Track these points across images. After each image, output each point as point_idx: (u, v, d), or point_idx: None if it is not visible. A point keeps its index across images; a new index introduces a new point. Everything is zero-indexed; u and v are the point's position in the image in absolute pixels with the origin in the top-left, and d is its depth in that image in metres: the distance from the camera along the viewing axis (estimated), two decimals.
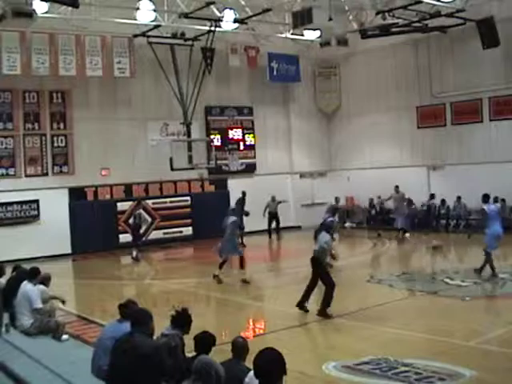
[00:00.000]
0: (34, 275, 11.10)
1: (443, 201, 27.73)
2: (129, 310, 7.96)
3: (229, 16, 24.45)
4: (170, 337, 7.74)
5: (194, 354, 7.04)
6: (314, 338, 11.75)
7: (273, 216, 28.49)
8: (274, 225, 28.63)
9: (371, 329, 12.01)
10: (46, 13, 21.45)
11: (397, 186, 26.35)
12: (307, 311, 13.25)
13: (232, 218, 18.21)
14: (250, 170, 30.88)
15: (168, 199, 28.34)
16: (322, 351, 10.63)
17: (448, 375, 9.08)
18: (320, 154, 33.27)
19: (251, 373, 5.45)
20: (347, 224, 30.81)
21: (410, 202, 27.06)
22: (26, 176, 24.96)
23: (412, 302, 15.03)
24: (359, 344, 11.19)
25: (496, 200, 25.81)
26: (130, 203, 27.30)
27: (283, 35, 27.43)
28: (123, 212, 27.05)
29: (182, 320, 8.03)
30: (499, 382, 8.83)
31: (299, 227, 30.94)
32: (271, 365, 4.95)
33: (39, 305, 10.81)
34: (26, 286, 10.87)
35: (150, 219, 27.66)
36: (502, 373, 9.17)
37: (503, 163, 25.53)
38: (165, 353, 6.82)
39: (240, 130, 30.77)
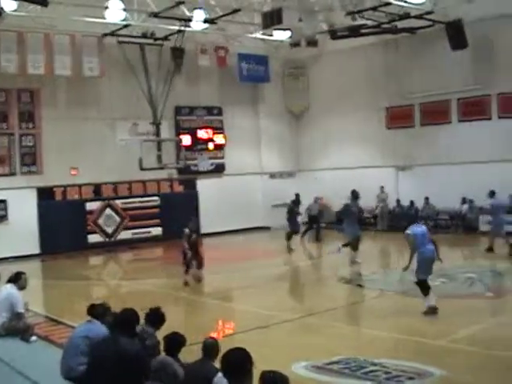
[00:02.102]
0: (18, 279, 10.98)
1: (412, 202, 27.91)
2: (105, 311, 7.95)
3: (199, 16, 24.33)
4: (146, 336, 7.72)
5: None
6: (284, 338, 11.74)
7: (313, 219, 26.99)
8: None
9: (341, 328, 12.06)
10: (15, 11, 21.21)
11: (382, 187, 26.61)
12: None
13: None
14: (219, 170, 30.79)
15: (137, 199, 28.19)
16: (292, 351, 10.62)
17: (417, 374, 9.14)
18: (289, 154, 33.31)
19: (220, 373, 5.44)
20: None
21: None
22: None
23: (382, 302, 15.11)
24: (329, 344, 11.23)
25: (464, 201, 26.32)
26: (99, 203, 27.12)
27: (253, 35, 27.36)
28: (92, 212, 26.87)
29: (155, 318, 8.03)
30: (468, 380, 8.92)
31: (268, 228, 30.94)
32: (239, 363, 4.95)
33: (21, 309, 10.75)
34: (10, 290, 10.78)
35: (119, 219, 27.51)
36: (470, 371, 9.26)
37: (472, 164, 25.80)
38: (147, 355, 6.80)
39: (209, 130, 30.67)
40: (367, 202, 25.47)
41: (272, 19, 21.89)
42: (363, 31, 25.46)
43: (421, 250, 12.73)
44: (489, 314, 12.57)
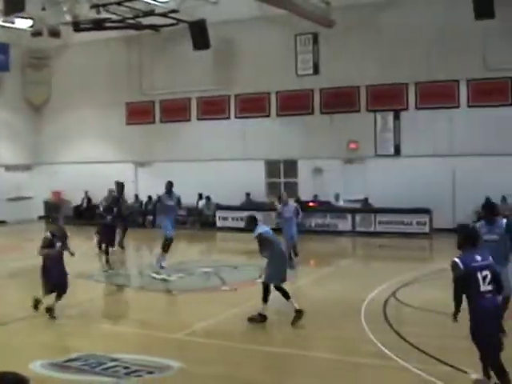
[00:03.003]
0: None
1: (150, 197, 28.07)
2: None
3: None
4: None
5: None
6: (20, 336, 11.19)
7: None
8: None
9: (80, 325, 11.78)
10: None
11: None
12: None
13: None
14: None
15: None
16: (28, 350, 10.17)
17: (156, 368, 9.19)
18: (27, 146, 31.96)
19: None
20: None
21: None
22: None
23: (119, 297, 15.06)
24: (67, 341, 10.96)
25: (201, 197, 27.12)
26: None
27: None
28: None
29: None
30: (205, 372, 9.15)
31: (4, 222, 29.44)
32: None
33: None
34: None
35: None
36: (208, 363, 9.51)
37: (209, 161, 26.88)
38: None
39: None
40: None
41: (14, 6, 20.80)
42: (107, 25, 25.24)
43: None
44: (225, 306, 13.01)
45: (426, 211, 24.22)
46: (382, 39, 25.39)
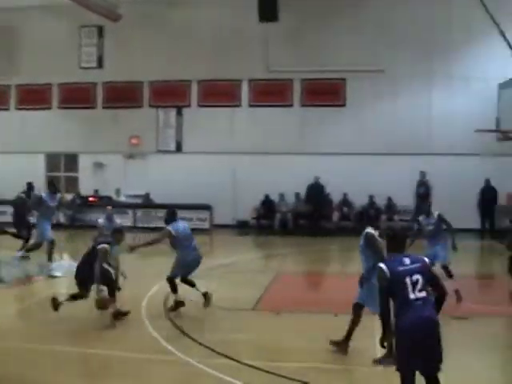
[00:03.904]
0: None
1: None
2: None
3: None
4: None
5: None
6: None
7: None
8: None
9: None
10: None
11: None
12: None
13: None
14: None
15: None
16: None
17: None
18: None
19: None
20: None
21: None
22: None
23: None
24: None
25: None
26: None
27: None
28: None
29: None
30: None
31: None
32: None
33: None
34: None
35: None
36: None
37: None
38: None
39: None
40: None
41: None
42: None
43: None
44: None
45: (206, 207, 24.81)
46: (167, 36, 25.69)
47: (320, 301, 13.11)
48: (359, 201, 24.61)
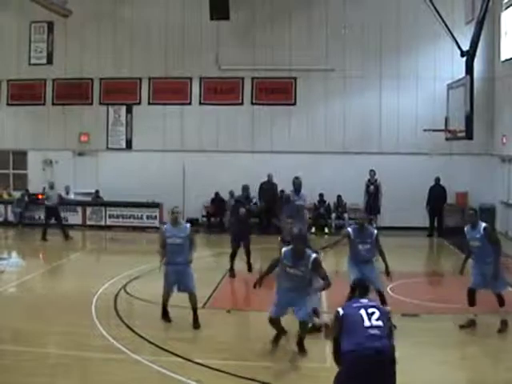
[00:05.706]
0: None
1: None
2: None
3: None
4: None
5: None
6: None
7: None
8: None
9: None
10: None
11: None
12: None
13: None
14: None
15: None
16: None
17: None
18: None
19: None
20: None
21: None
22: None
23: None
24: None
25: None
26: None
27: None
28: None
29: None
30: None
31: None
32: None
33: None
34: None
35: None
36: None
37: None
38: None
39: None
40: None
41: None
42: None
43: None
44: None
45: (156, 205, 24.71)
46: (118, 33, 25.52)
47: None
48: (309, 199, 24.72)
